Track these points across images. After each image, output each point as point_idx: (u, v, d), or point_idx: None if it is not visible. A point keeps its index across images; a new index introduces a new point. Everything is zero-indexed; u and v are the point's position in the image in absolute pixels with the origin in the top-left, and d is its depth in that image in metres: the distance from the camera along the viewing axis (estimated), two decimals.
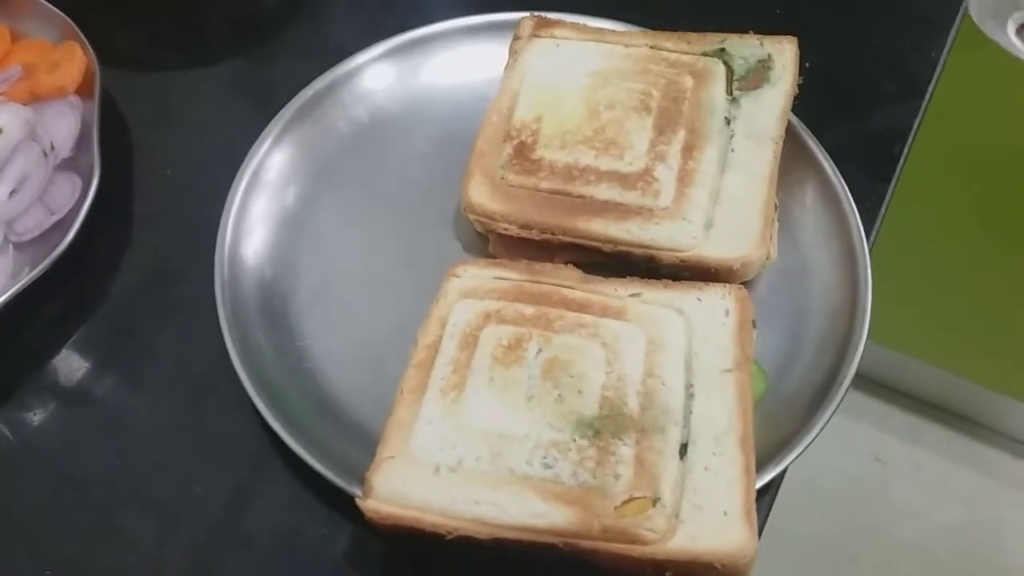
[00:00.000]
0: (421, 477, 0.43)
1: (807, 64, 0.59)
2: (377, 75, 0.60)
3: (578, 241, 0.52)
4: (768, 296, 0.53)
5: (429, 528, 0.41)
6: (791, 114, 0.56)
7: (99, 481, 0.49)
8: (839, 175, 0.55)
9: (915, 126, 0.62)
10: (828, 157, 0.56)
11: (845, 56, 0.65)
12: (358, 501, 0.42)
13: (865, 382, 1.45)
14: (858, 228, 0.53)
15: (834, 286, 0.52)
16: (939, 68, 0.64)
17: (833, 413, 0.47)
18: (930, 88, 0.63)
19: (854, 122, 0.62)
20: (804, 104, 0.57)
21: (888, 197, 0.58)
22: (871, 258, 0.53)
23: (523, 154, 0.54)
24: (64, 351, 0.53)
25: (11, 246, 0.54)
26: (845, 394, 0.48)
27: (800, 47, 0.58)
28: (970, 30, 0.67)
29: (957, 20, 0.67)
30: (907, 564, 1.33)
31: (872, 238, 0.56)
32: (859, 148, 0.60)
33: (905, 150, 0.61)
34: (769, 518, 0.47)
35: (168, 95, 0.64)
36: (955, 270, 1.21)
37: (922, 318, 1.30)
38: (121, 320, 0.54)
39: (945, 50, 0.65)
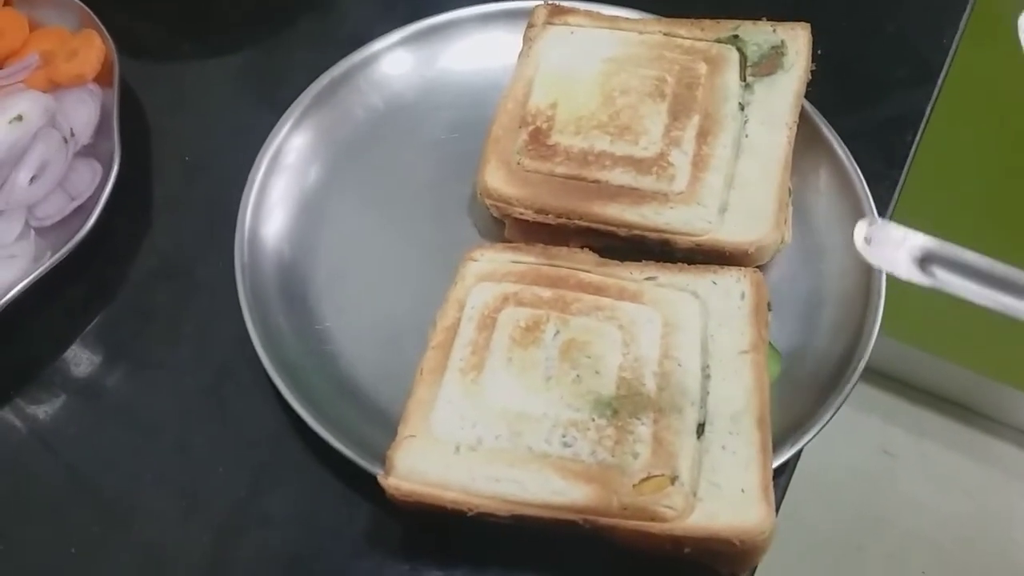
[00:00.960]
0: (441, 455, 0.43)
1: (820, 51, 0.59)
2: (394, 62, 0.60)
3: (594, 225, 0.52)
4: (783, 280, 0.54)
5: (450, 505, 0.42)
6: (804, 100, 0.57)
7: (122, 462, 0.49)
8: (852, 160, 0.55)
9: (927, 112, 0.62)
10: (841, 142, 0.56)
11: (858, 43, 0.65)
12: (380, 479, 0.43)
13: (873, 375, 1.45)
14: (872, 212, 0.54)
15: (848, 270, 0.53)
16: (951, 54, 0.65)
17: (848, 396, 0.48)
18: (942, 74, 0.63)
19: (867, 108, 0.62)
20: (817, 90, 0.57)
21: (901, 183, 0.59)
22: None
23: (538, 140, 0.54)
24: (86, 335, 0.54)
25: (33, 231, 0.55)
26: (859, 377, 0.48)
27: (813, 34, 0.58)
28: (982, 16, 0.67)
29: (969, 6, 0.67)
30: (915, 556, 1.33)
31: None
32: (872, 134, 0.60)
33: (918, 136, 0.61)
34: (780, 510, 0.48)
35: (185, 83, 0.64)
36: None
37: (930, 310, 1.30)
38: (142, 304, 0.55)
39: (957, 36, 0.65)
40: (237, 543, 0.47)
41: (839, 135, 0.57)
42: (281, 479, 0.49)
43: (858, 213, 0.54)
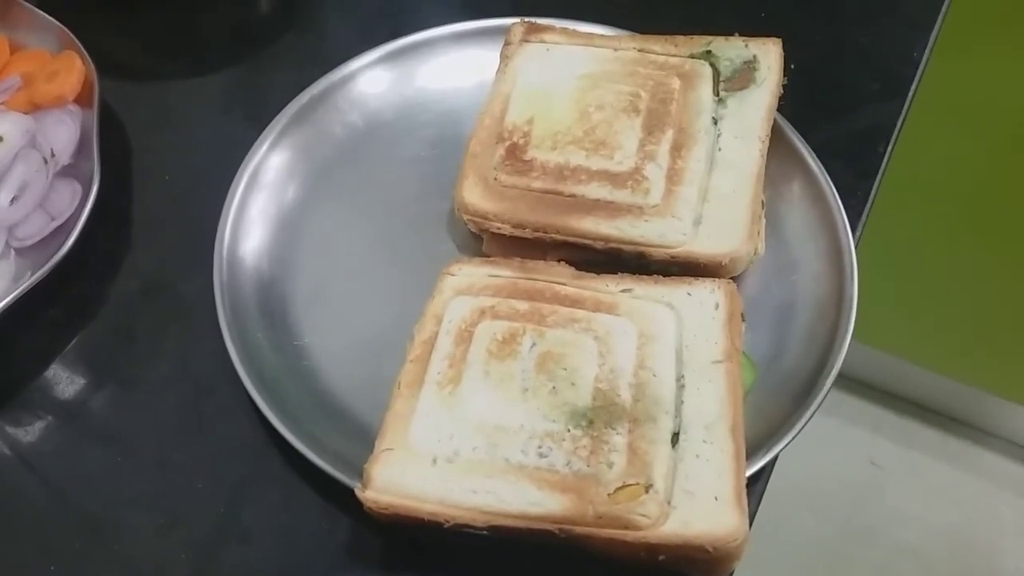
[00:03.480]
0: (419, 468, 0.44)
1: (792, 66, 0.60)
2: (371, 81, 0.61)
3: (570, 239, 0.53)
4: (757, 291, 0.54)
5: (427, 517, 0.42)
6: (777, 114, 0.58)
7: (102, 479, 0.50)
8: (825, 172, 0.56)
9: (899, 124, 0.63)
10: (814, 155, 0.57)
11: (830, 57, 0.66)
12: (357, 492, 0.43)
13: (859, 386, 1.46)
14: (844, 223, 0.54)
15: (821, 279, 0.54)
16: (922, 67, 0.66)
17: (821, 403, 0.48)
18: (913, 87, 0.65)
19: (840, 121, 0.63)
20: (790, 104, 0.58)
21: (873, 194, 0.60)
22: (857, 254, 0.54)
23: (515, 155, 0.55)
24: (66, 354, 0.54)
25: (13, 251, 0.55)
26: (832, 384, 0.49)
27: (785, 49, 0.59)
28: (952, 30, 0.69)
29: (939, 20, 0.68)
30: (904, 567, 1.33)
31: (858, 233, 0.57)
32: (844, 146, 0.61)
33: (889, 147, 0.62)
34: (766, 522, 0.48)
35: (166, 103, 0.65)
36: (944, 271, 1.22)
37: (914, 321, 1.31)
38: (122, 323, 0.55)
39: (928, 49, 0.66)
40: (216, 558, 0.47)
41: (812, 148, 0.57)
42: (260, 494, 0.49)
43: (830, 224, 0.55)
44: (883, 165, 0.61)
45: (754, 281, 0.55)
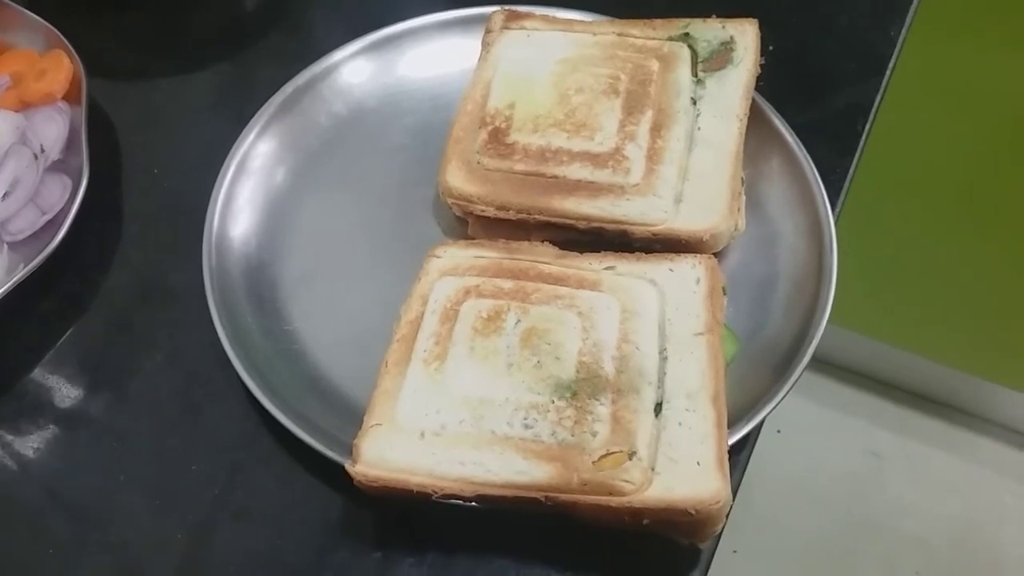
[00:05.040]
0: (407, 442, 0.44)
1: (771, 48, 0.61)
2: (354, 71, 0.62)
3: (553, 219, 0.54)
4: (739, 266, 0.55)
5: (416, 489, 0.43)
6: (757, 94, 0.59)
7: (97, 465, 0.50)
8: (804, 150, 0.57)
9: (877, 102, 0.64)
10: (793, 133, 0.58)
11: (808, 38, 0.67)
12: (347, 466, 0.44)
13: (857, 376, 1.47)
14: (823, 198, 0.55)
15: (800, 253, 0.54)
16: (899, 46, 0.67)
17: (802, 372, 0.49)
18: (891, 65, 0.65)
19: (819, 100, 0.64)
20: (770, 86, 0.59)
21: (852, 171, 0.60)
22: (837, 229, 0.55)
23: (497, 139, 0.56)
24: (60, 345, 0.55)
25: (5, 246, 0.56)
26: (813, 353, 0.49)
27: (763, 31, 0.60)
28: (929, 8, 0.69)
29: (915, 1, 0.69)
30: (906, 557, 1.34)
31: (838, 209, 0.58)
32: (823, 125, 0.62)
33: (868, 125, 0.63)
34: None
35: (153, 100, 0.66)
36: (938, 258, 1.23)
37: (911, 309, 1.31)
38: (114, 313, 0.56)
39: (904, 29, 0.67)
40: (212, 538, 0.48)
41: (792, 127, 0.58)
42: (254, 476, 0.50)
43: (810, 200, 0.56)
44: (862, 143, 0.62)
45: (736, 256, 0.56)
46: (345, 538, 0.47)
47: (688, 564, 0.46)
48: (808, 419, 1.46)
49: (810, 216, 0.55)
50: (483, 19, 0.62)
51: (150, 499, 0.49)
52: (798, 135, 0.58)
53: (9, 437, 0.52)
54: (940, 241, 1.20)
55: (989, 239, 1.17)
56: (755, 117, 0.58)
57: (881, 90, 0.64)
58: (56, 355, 0.55)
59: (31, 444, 0.52)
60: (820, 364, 1.48)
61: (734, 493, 0.47)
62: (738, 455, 0.49)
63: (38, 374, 0.54)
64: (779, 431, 1.45)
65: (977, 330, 1.30)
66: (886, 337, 1.38)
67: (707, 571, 0.46)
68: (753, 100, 0.58)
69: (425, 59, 0.63)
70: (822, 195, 0.55)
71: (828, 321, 0.51)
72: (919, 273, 1.26)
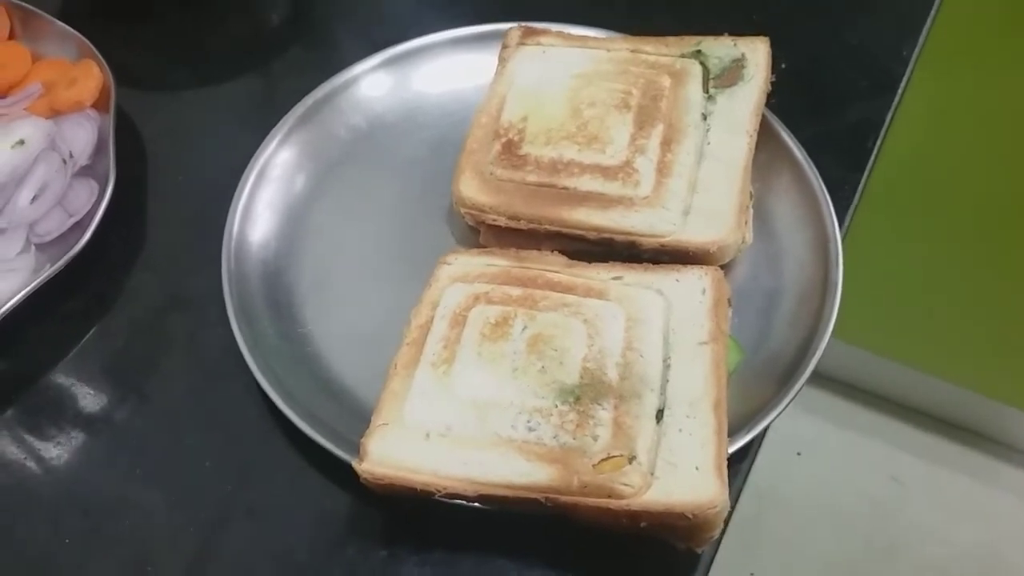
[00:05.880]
0: (412, 442, 0.46)
1: (784, 65, 0.62)
2: (373, 84, 0.63)
3: (563, 230, 0.55)
4: (746, 278, 0.56)
5: (420, 487, 0.44)
6: (767, 110, 0.60)
7: (115, 461, 0.52)
8: (812, 165, 0.58)
9: (888, 119, 0.64)
10: (802, 148, 0.59)
11: (821, 56, 0.68)
12: (354, 464, 0.45)
13: (879, 400, 1.46)
14: (830, 213, 0.56)
15: (807, 267, 0.55)
16: (912, 65, 0.67)
17: (803, 384, 0.50)
18: (903, 83, 0.66)
19: (829, 117, 0.65)
20: (781, 102, 0.60)
21: (861, 186, 0.61)
22: (845, 245, 0.56)
23: (510, 151, 0.57)
24: (83, 344, 0.57)
25: (33, 247, 0.58)
26: (815, 365, 0.50)
27: (776, 49, 0.61)
28: (942, 29, 0.70)
29: (929, 20, 0.70)
30: None
31: (846, 224, 0.59)
32: (833, 141, 0.62)
33: (878, 142, 0.63)
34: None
35: (179, 109, 0.68)
36: (962, 283, 1.22)
37: (935, 333, 1.31)
38: (136, 314, 0.57)
39: (917, 49, 0.68)
40: (223, 534, 0.49)
41: (802, 143, 0.59)
42: (266, 475, 0.51)
43: (817, 214, 0.57)
44: (872, 159, 0.63)
45: (743, 269, 0.56)
46: (353, 536, 0.48)
47: (686, 569, 0.47)
48: (830, 442, 1.46)
49: (817, 231, 0.56)
50: (499, 35, 0.63)
51: (165, 495, 0.50)
52: (808, 151, 0.59)
53: (30, 433, 0.54)
54: (962, 263, 1.20)
55: (1011, 263, 1.17)
56: (765, 132, 0.59)
57: (892, 107, 0.65)
58: (79, 353, 0.57)
59: (51, 439, 0.53)
60: (842, 387, 1.47)
61: (734, 502, 0.48)
62: (739, 464, 0.50)
63: (60, 371, 0.56)
64: (799, 453, 1.44)
65: (1000, 355, 1.29)
66: (909, 360, 1.37)
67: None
68: (764, 116, 0.59)
69: (442, 74, 0.64)
70: (830, 210, 0.56)
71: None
72: (942, 296, 1.25)
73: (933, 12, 0.71)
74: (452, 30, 0.65)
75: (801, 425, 1.48)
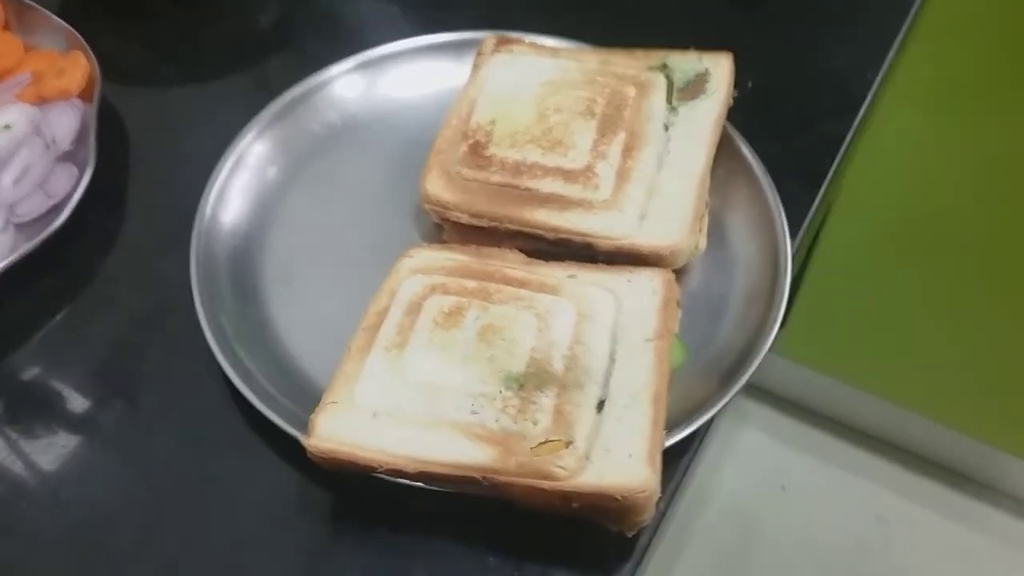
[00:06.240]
0: (360, 420, 0.47)
1: (750, 84, 0.64)
2: (348, 85, 0.66)
3: (524, 229, 0.57)
4: (697, 284, 0.58)
5: (363, 463, 0.46)
6: (730, 125, 0.62)
7: (73, 429, 0.54)
8: (770, 179, 0.60)
9: (847, 138, 0.67)
10: (761, 163, 0.61)
11: (788, 76, 0.70)
12: (302, 439, 0.47)
13: (867, 439, 1.47)
14: (782, 224, 0.58)
15: (756, 274, 0.57)
16: (874, 88, 0.70)
17: (744, 383, 0.51)
18: (865, 105, 0.68)
19: (791, 135, 0.67)
20: (746, 119, 0.62)
21: (817, 202, 0.63)
22: (798, 257, 0.58)
23: (477, 152, 0.59)
24: (56, 319, 0.59)
25: (12, 227, 0.60)
26: (755, 367, 0.52)
27: (746, 68, 0.63)
28: (908, 54, 0.73)
29: (894, 46, 0.72)
30: None
31: (799, 238, 0.60)
32: (794, 157, 0.64)
33: (836, 160, 0.65)
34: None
35: (163, 102, 0.70)
36: (944, 319, 1.23)
37: (922, 371, 1.32)
38: (107, 291, 0.59)
39: (881, 73, 0.70)
40: (175, 503, 0.51)
41: (763, 159, 0.61)
42: (222, 449, 0.53)
43: (770, 227, 0.58)
44: (828, 176, 0.65)
45: (695, 274, 0.58)
46: (299, 510, 0.50)
47: (620, 555, 0.48)
48: (815, 479, 1.47)
49: (769, 242, 0.58)
50: (474, 44, 0.65)
51: (123, 464, 0.52)
52: (768, 166, 0.61)
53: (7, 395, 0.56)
54: (943, 299, 1.21)
55: (996, 302, 1.18)
56: (727, 147, 0.61)
57: (853, 127, 0.67)
58: (52, 327, 0.59)
59: (13, 409, 0.55)
60: (830, 423, 1.48)
61: (671, 498, 0.49)
62: (679, 459, 0.51)
63: (32, 342, 0.58)
64: (783, 488, 1.45)
65: (989, 397, 1.30)
66: (896, 399, 1.38)
67: (639, 565, 0.48)
68: (725, 130, 0.61)
69: (416, 78, 0.67)
70: (783, 223, 0.58)
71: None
72: (926, 334, 1.26)
73: (899, 38, 0.73)
74: (428, 36, 0.67)
75: (787, 460, 1.49)
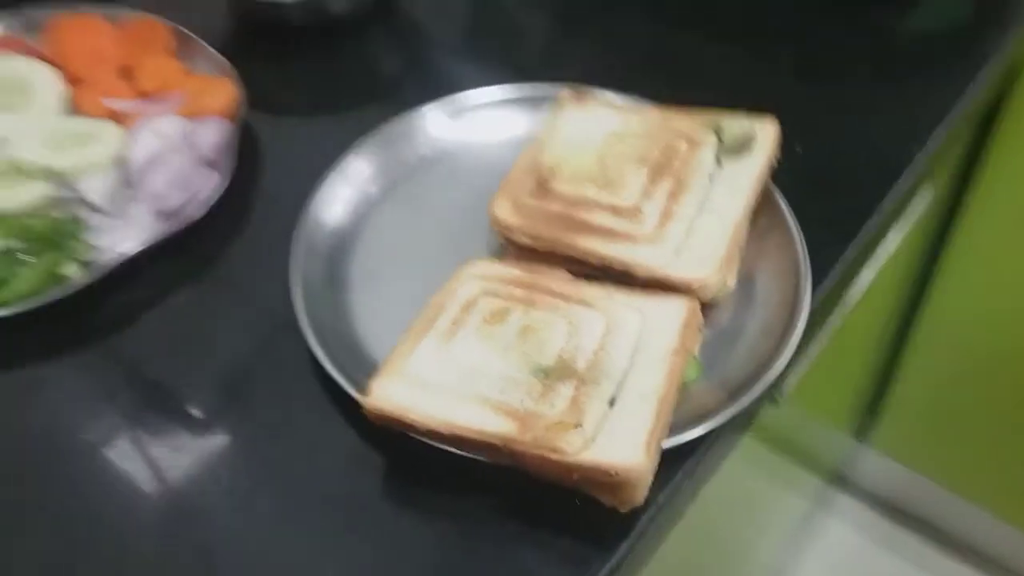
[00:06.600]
0: (409, 388, 0.57)
1: (799, 149, 0.73)
2: (439, 124, 0.77)
3: (573, 253, 0.66)
4: (722, 315, 0.66)
5: (407, 422, 0.56)
6: (773, 184, 0.70)
7: (184, 374, 0.66)
8: (800, 231, 0.68)
9: (883, 206, 0.74)
10: (793, 215, 0.68)
11: (835, 144, 0.78)
12: (360, 398, 0.57)
13: (958, 546, 1.48)
14: (805, 270, 0.65)
15: (775, 312, 0.65)
16: (915, 163, 0.77)
17: (746, 404, 0.59)
18: (903, 176, 0.75)
19: (830, 196, 0.74)
20: (790, 179, 0.70)
21: (845, 255, 0.70)
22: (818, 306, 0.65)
23: (542, 185, 0.69)
24: (181, 297, 0.71)
25: (157, 216, 0.73)
26: (762, 391, 0.59)
27: (797, 132, 0.71)
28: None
29: (942, 125, 0.79)
30: None
31: (824, 286, 0.68)
32: (829, 217, 0.71)
33: (872, 219, 0.73)
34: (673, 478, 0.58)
35: (291, 127, 0.83)
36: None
37: (1001, 473, 1.33)
38: (224, 273, 0.72)
39: (923, 152, 0.77)
40: (260, 451, 0.62)
41: (801, 216, 0.68)
42: (301, 412, 0.63)
43: (795, 272, 0.66)
44: (860, 235, 0.72)
45: (723, 308, 0.66)
46: (362, 467, 0.60)
47: (620, 534, 0.56)
48: (882, 570, 1.49)
49: (791, 286, 0.65)
50: (548, 98, 0.77)
51: (219, 401, 0.64)
52: (804, 222, 0.68)
53: (126, 347, 0.68)
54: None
55: None
56: (767, 202, 0.69)
57: (888, 196, 0.74)
58: (179, 296, 0.71)
59: (143, 357, 0.67)
60: (921, 525, 1.50)
61: (671, 494, 0.57)
62: (682, 460, 0.59)
63: (161, 311, 0.70)
64: None
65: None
66: (994, 508, 1.39)
67: (636, 544, 0.56)
68: (767, 186, 0.70)
69: (497, 123, 0.78)
70: (806, 269, 0.66)
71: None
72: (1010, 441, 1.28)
73: (946, 119, 0.80)
74: (510, 87, 0.78)
75: (872, 557, 1.51)
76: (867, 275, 0.85)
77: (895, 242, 0.89)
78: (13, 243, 0.70)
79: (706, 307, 0.65)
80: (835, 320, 0.82)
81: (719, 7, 0.93)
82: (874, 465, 1.75)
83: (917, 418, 1.55)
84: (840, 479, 1.82)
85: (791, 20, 0.91)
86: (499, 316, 0.61)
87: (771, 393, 0.70)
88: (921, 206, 0.90)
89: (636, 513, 0.56)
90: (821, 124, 0.79)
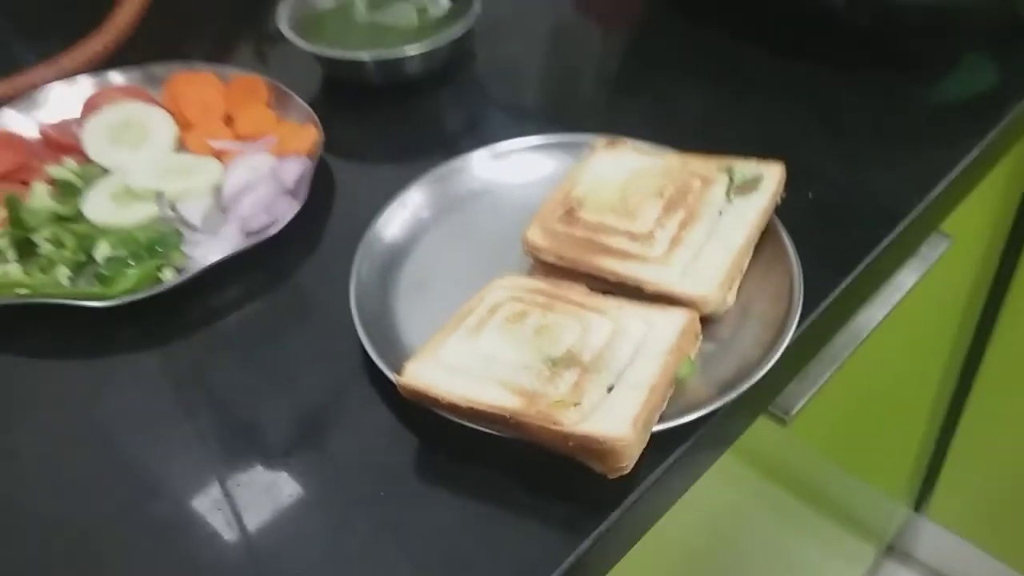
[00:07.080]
0: (437, 371, 0.67)
1: (810, 194, 0.82)
2: (484, 166, 0.89)
3: (593, 272, 0.76)
4: (720, 328, 0.75)
5: (433, 397, 0.66)
6: (777, 219, 0.79)
7: (245, 362, 0.77)
8: (799, 262, 0.76)
9: (883, 244, 0.82)
10: (795, 248, 0.77)
11: (843, 190, 0.86)
12: (393, 377, 0.67)
13: None
14: (798, 295, 0.73)
15: (766, 328, 0.73)
16: (918, 210, 0.84)
17: (727, 402, 0.67)
18: (903, 222, 0.83)
19: (833, 235, 0.82)
20: (798, 219, 0.79)
21: (840, 289, 0.78)
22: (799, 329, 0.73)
23: (570, 214, 0.79)
24: (256, 305, 0.83)
25: (243, 233, 0.86)
26: (742, 393, 0.68)
27: (809, 179, 0.82)
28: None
29: (945, 181, 0.87)
30: None
31: (818, 311, 0.76)
32: (831, 252, 0.80)
33: (868, 258, 0.81)
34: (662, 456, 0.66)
35: (361, 167, 0.96)
36: None
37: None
38: (296, 281, 0.84)
39: (924, 203, 0.85)
40: (311, 426, 0.72)
41: (804, 250, 0.77)
42: (348, 393, 0.74)
43: (788, 295, 0.74)
44: (856, 271, 0.80)
45: (719, 323, 0.75)
46: (397, 438, 0.70)
47: (611, 502, 0.64)
48: None
49: (784, 307, 0.74)
50: (580, 144, 0.88)
51: (269, 377, 0.74)
52: (805, 256, 0.77)
53: (202, 352, 0.80)
54: None
55: None
56: (769, 235, 0.78)
57: (889, 238, 0.82)
58: (257, 302, 0.83)
59: (221, 358, 0.79)
60: None
61: (662, 473, 0.65)
62: (674, 446, 0.67)
63: (240, 316, 0.82)
64: None
65: None
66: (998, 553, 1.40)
67: (627, 512, 0.64)
68: (772, 221, 0.79)
69: (535, 166, 0.89)
70: (799, 294, 0.73)
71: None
72: None
73: (950, 176, 0.88)
74: (547, 135, 0.90)
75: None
76: (878, 311, 0.92)
77: (909, 282, 0.95)
78: (123, 251, 0.83)
79: (707, 321, 0.73)
80: (844, 350, 0.90)
81: (746, 65, 1.04)
82: (932, 537, 1.76)
83: (977, 489, 1.57)
84: (898, 551, 1.82)
85: (812, 79, 1.01)
86: (520, 317, 0.71)
87: (767, 407, 0.78)
88: (935, 253, 0.97)
89: (628, 487, 0.64)
90: (832, 171, 0.88)
